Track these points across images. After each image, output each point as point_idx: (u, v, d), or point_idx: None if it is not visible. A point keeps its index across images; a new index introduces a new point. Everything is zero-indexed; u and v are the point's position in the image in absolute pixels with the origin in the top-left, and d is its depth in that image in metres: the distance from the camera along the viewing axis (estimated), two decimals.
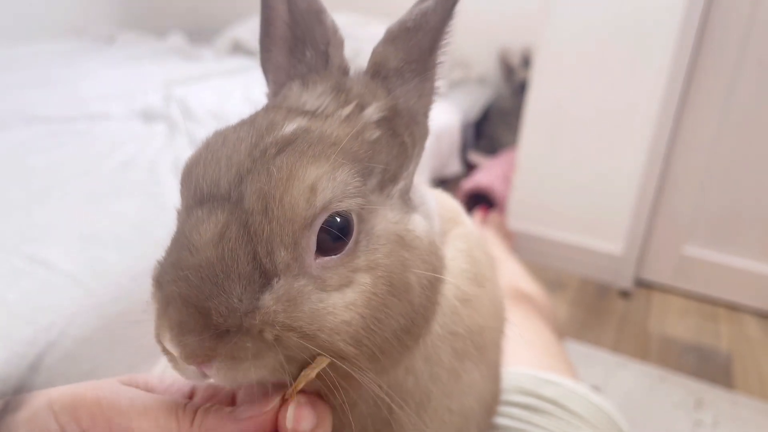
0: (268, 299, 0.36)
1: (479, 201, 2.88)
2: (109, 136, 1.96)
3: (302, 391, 0.42)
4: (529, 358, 0.84)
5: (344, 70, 0.47)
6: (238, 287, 0.35)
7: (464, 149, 3.28)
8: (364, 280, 0.38)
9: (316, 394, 0.41)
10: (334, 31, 0.47)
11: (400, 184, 0.44)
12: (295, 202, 0.37)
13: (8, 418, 0.37)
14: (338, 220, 0.38)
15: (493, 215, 2.75)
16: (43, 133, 1.89)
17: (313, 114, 0.43)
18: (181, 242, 0.37)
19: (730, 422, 1.85)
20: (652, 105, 2.37)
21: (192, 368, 0.37)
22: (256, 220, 0.36)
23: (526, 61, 3.09)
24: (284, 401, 0.40)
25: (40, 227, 1.33)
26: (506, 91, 3.38)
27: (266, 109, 0.45)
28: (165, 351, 0.38)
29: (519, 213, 2.81)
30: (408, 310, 0.40)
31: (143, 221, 1.42)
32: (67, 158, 1.72)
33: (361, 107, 0.44)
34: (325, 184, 0.37)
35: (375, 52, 0.46)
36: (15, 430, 0.37)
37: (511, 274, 1.40)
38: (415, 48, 0.45)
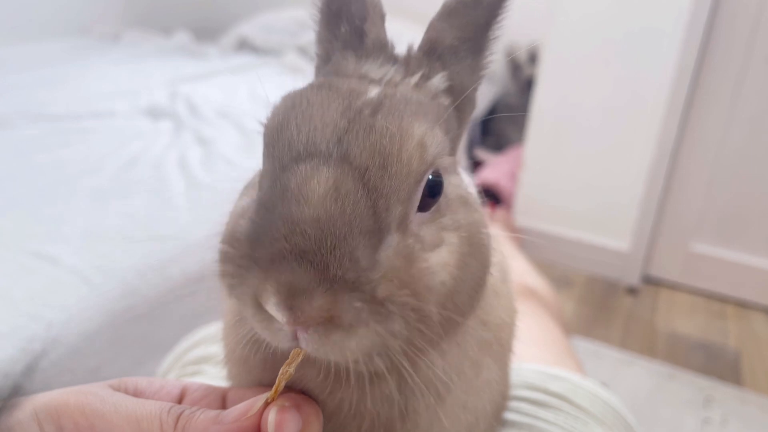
0: (389, 255, 0.35)
1: (486, 198, 2.86)
2: (115, 133, 1.97)
3: (292, 391, 0.40)
4: (537, 354, 0.83)
5: (383, 45, 0.46)
6: (363, 241, 0.34)
7: (471, 146, 3.27)
8: (452, 239, 0.39)
9: (303, 395, 0.40)
10: (374, 5, 0.47)
11: (455, 154, 0.45)
12: (411, 158, 0.37)
13: (3, 419, 0.37)
14: (434, 177, 0.39)
15: (500, 212, 2.74)
16: (50, 131, 1.90)
17: (381, 81, 0.43)
18: (286, 198, 0.35)
19: (738, 419, 1.84)
20: (660, 101, 2.35)
21: (285, 331, 0.35)
22: (375, 175, 0.36)
23: (533, 58, 3.07)
24: (268, 403, 0.38)
25: (47, 224, 1.33)
26: (513, 88, 3.37)
27: (329, 78, 0.44)
28: (257, 316, 0.36)
29: (526, 210, 2.80)
30: (480, 271, 0.41)
31: (149, 218, 1.43)
32: (73, 156, 1.72)
33: (426, 77, 0.44)
34: (430, 141, 0.38)
35: (431, 27, 0.45)
36: None
37: (519, 270, 1.39)
38: (470, 25, 0.45)
